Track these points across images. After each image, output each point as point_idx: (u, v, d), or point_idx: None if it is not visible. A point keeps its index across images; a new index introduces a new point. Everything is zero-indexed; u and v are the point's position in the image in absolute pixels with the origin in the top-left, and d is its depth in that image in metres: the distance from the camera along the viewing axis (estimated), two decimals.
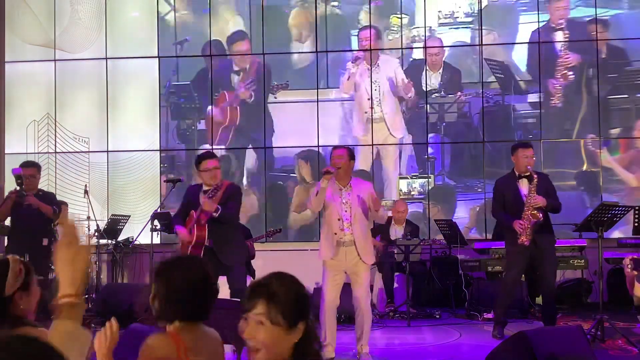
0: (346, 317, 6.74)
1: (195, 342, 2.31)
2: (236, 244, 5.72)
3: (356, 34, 9.79)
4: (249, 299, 1.91)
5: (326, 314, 5.46)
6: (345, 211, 5.53)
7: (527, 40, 9.53)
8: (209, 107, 9.79)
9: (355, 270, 5.54)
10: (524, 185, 6.30)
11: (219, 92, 9.85)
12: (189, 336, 2.30)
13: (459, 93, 9.58)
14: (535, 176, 6.26)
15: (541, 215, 6.16)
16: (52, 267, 7.34)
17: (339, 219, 5.52)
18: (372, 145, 9.52)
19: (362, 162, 9.39)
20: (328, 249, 5.54)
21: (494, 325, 6.54)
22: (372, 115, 9.53)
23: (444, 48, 9.66)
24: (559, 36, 9.47)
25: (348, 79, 9.63)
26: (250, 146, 9.75)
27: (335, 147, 5.89)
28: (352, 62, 9.64)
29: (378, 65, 9.63)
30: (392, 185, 9.53)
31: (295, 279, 1.96)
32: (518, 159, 6.39)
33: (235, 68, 9.91)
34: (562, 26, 9.48)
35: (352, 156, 5.67)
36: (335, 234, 5.52)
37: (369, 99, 9.56)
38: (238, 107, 9.81)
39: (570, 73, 9.39)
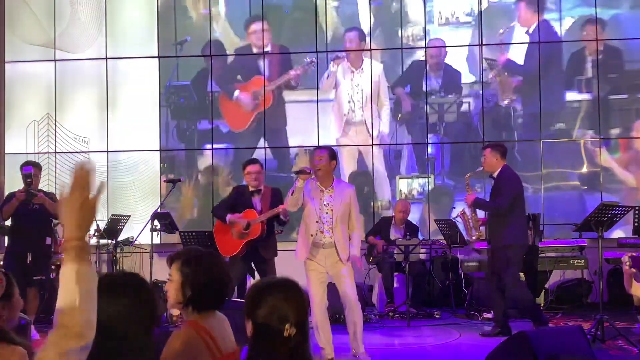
0: (340, 317, 6.71)
1: (215, 327, 2.50)
2: (274, 240, 6.60)
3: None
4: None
5: (317, 315, 5.39)
6: (327, 213, 5.49)
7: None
8: (236, 93, 9.74)
9: (337, 271, 5.51)
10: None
11: (247, 79, 9.76)
12: (210, 323, 2.49)
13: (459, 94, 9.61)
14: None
15: (468, 212, 6.66)
16: (54, 267, 7.36)
17: (317, 221, 5.48)
18: (372, 145, 9.53)
19: (351, 163, 9.50)
20: (304, 249, 5.52)
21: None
22: (372, 116, 9.54)
23: (445, 49, 9.67)
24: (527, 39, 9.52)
25: (327, 78, 9.65)
26: (257, 146, 9.71)
27: (316, 148, 5.83)
28: (332, 61, 9.66)
29: (362, 69, 9.64)
30: (383, 184, 9.55)
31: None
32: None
33: (255, 50, 9.83)
34: (530, 31, 9.50)
35: (332, 157, 5.58)
36: (312, 235, 5.49)
37: (349, 102, 9.59)
38: (273, 92, 9.75)
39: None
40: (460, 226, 7.64)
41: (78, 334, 1.61)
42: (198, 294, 2.47)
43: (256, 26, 9.83)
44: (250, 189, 6.45)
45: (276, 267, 6.38)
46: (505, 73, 9.50)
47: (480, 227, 6.71)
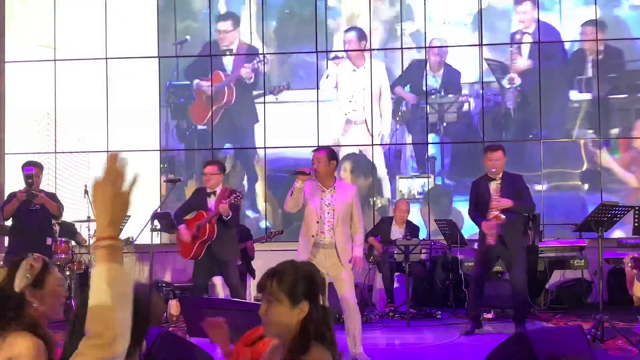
0: (340, 317, 6.70)
1: None
2: (231, 242, 6.44)
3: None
4: (264, 279, 2.18)
5: None
6: (328, 213, 5.47)
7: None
8: (200, 83, 9.78)
9: (336, 273, 5.50)
10: (493, 187, 6.39)
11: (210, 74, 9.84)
12: None
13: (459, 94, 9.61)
14: (498, 179, 6.39)
15: (504, 217, 6.25)
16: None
17: (317, 222, 5.46)
18: (372, 145, 9.53)
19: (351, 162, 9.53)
20: (305, 250, 5.51)
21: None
22: (373, 115, 9.54)
23: (445, 49, 9.67)
24: (526, 39, 9.50)
25: (327, 77, 9.65)
26: (249, 146, 9.74)
27: (315, 149, 5.76)
28: (331, 60, 9.65)
29: (364, 67, 9.65)
30: (383, 184, 9.55)
31: (308, 266, 2.26)
32: (485, 162, 6.57)
33: (223, 48, 9.90)
34: (529, 31, 9.49)
35: (331, 157, 5.52)
36: (313, 236, 5.48)
37: (350, 101, 9.60)
38: (234, 87, 9.82)
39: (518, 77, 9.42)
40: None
41: (110, 343, 1.49)
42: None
43: (223, 25, 9.87)
44: (208, 190, 6.44)
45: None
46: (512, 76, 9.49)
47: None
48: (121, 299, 1.54)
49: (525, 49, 9.54)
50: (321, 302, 2.19)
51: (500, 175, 6.45)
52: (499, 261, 7.10)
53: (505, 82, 9.51)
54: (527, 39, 9.53)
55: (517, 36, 9.59)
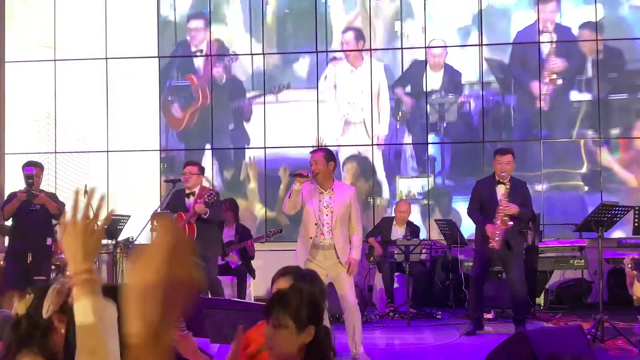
0: (340, 317, 6.71)
1: None
2: (213, 239, 6.64)
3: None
4: (270, 304, 2.24)
5: None
6: (326, 215, 5.45)
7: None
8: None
9: (336, 273, 5.48)
10: (500, 191, 6.38)
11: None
12: None
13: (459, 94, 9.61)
14: (508, 184, 6.36)
15: (511, 222, 6.26)
16: (54, 267, 7.36)
17: (315, 224, 5.44)
18: (372, 145, 9.53)
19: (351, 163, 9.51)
20: (303, 251, 5.50)
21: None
22: (372, 116, 9.54)
23: (446, 49, 9.67)
24: (545, 38, 9.49)
25: (325, 79, 9.65)
26: (246, 146, 9.73)
27: (313, 150, 5.73)
28: (329, 61, 9.65)
29: (362, 68, 9.65)
30: (383, 184, 9.56)
31: (312, 288, 2.38)
32: (494, 164, 6.56)
33: (193, 49, 9.90)
34: (549, 30, 9.48)
35: (329, 158, 5.49)
36: (311, 238, 5.46)
37: (348, 103, 9.60)
38: (208, 88, 9.80)
39: (558, 78, 9.40)
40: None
41: None
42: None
43: (195, 24, 9.87)
44: (187, 191, 6.58)
45: (279, 266, 6.38)
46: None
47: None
48: (109, 329, 1.52)
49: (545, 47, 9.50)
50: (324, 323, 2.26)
51: (509, 180, 6.44)
52: (498, 262, 7.10)
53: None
54: (546, 37, 9.50)
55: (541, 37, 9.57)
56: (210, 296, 5.90)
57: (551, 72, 9.38)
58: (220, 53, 9.88)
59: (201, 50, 9.86)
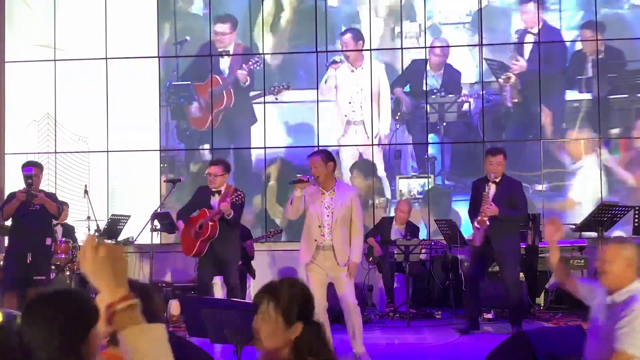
0: (340, 317, 6.68)
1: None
2: (234, 242, 6.45)
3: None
4: (258, 296, 2.22)
5: (317, 315, 5.38)
6: (328, 216, 5.43)
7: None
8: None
9: (336, 274, 5.47)
10: (491, 190, 6.38)
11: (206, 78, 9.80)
12: None
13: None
14: (491, 184, 6.39)
15: (488, 222, 6.29)
16: (54, 267, 7.36)
17: (319, 226, 5.43)
18: (372, 145, 9.53)
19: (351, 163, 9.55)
20: (307, 254, 5.48)
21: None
22: (372, 116, 9.54)
23: (447, 48, 9.66)
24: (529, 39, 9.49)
25: (326, 82, 9.64)
26: (251, 146, 9.74)
27: (310, 154, 5.68)
28: (329, 65, 9.63)
29: (362, 68, 9.64)
30: (383, 184, 9.56)
31: (303, 285, 2.31)
32: (486, 165, 6.63)
33: (219, 49, 9.89)
34: (534, 31, 9.47)
35: (328, 159, 5.45)
36: (315, 240, 5.44)
37: (350, 102, 9.59)
38: (232, 90, 9.80)
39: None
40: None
41: None
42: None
43: (220, 27, 9.86)
44: (212, 189, 6.42)
45: (279, 266, 6.40)
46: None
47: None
48: (160, 351, 1.51)
49: (527, 48, 9.51)
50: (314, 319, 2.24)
51: (499, 179, 6.45)
52: (495, 262, 7.11)
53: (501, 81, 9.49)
54: (530, 38, 9.51)
55: (515, 36, 9.57)
56: None
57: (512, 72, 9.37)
58: (218, 53, 9.88)
59: (227, 52, 9.83)
